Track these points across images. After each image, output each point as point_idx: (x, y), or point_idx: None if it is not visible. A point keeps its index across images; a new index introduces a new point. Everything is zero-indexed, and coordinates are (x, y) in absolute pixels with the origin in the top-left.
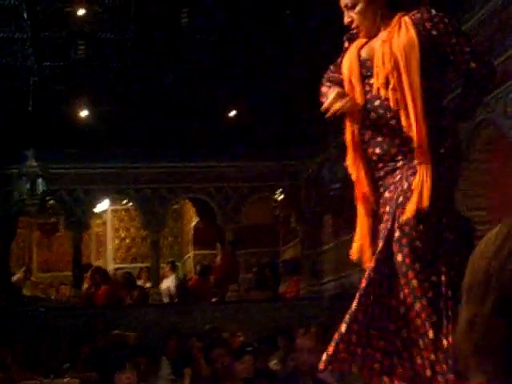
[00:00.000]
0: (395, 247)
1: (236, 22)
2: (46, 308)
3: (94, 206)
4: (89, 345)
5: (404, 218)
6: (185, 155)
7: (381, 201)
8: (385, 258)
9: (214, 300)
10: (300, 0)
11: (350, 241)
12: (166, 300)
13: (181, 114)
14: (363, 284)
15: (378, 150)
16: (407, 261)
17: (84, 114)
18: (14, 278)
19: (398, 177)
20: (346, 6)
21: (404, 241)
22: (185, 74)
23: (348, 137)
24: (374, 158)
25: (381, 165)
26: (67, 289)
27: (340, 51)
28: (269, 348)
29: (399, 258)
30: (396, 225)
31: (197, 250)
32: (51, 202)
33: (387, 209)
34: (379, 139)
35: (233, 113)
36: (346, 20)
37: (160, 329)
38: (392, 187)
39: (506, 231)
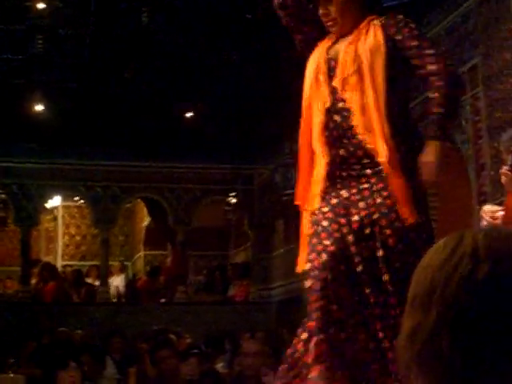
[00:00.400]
0: (373, 265)
1: (196, 22)
2: None
3: (45, 202)
4: (34, 341)
5: (384, 236)
6: (139, 155)
7: (333, 197)
8: (339, 270)
9: (162, 301)
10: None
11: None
12: (114, 299)
13: (137, 113)
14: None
15: (342, 152)
16: (387, 279)
17: (39, 108)
18: None
19: (366, 185)
20: (321, 10)
21: (386, 260)
22: (143, 73)
23: (304, 139)
24: (338, 159)
25: (344, 166)
26: (14, 283)
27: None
28: (215, 351)
29: (383, 277)
30: (377, 244)
31: (147, 250)
32: (1, 195)
33: (341, 211)
34: (345, 141)
35: (189, 114)
36: (322, 12)
37: (107, 328)
38: (356, 192)
39: (454, 243)
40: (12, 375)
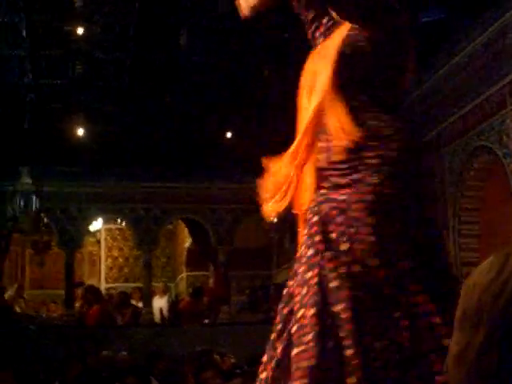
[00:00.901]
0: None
1: (235, 44)
2: (37, 326)
3: (88, 225)
4: (79, 364)
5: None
6: (180, 176)
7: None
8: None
9: (205, 321)
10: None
11: None
12: (157, 320)
13: (177, 134)
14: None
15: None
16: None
17: (80, 132)
18: (6, 295)
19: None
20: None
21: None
22: (183, 95)
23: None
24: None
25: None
26: (58, 307)
27: None
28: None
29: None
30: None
31: (189, 271)
32: (45, 219)
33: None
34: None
35: (229, 134)
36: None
37: (151, 349)
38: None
39: (500, 262)
40: None
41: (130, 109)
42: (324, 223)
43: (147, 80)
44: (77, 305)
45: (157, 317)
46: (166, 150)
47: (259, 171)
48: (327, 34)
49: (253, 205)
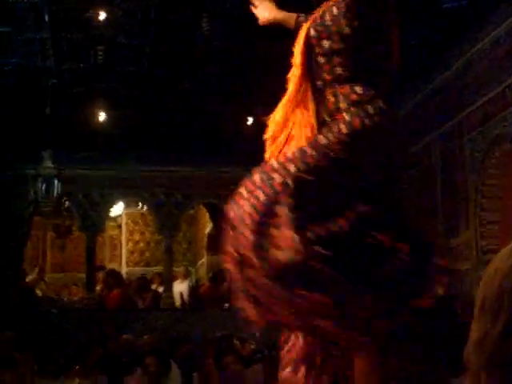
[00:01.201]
0: None
1: (255, 29)
2: (58, 310)
3: (109, 209)
4: (99, 349)
5: None
6: (200, 160)
7: None
8: None
9: (226, 306)
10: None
11: None
12: (178, 305)
13: (198, 120)
14: None
15: None
16: None
17: (101, 117)
18: (28, 279)
19: None
20: None
21: None
22: (203, 80)
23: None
24: None
25: None
26: (79, 290)
27: None
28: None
29: None
30: None
31: (210, 255)
32: (66, 203)
33: None
34: None
35: (250, 121)
36: None
37: (171, 334)
38: None
39: None
40: (78, 382)
41: (150, 94)
42: None
43: (167, 65)
44: (97, 288)
45: (177, 301)
46: (188, 134)
47: None
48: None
49: None
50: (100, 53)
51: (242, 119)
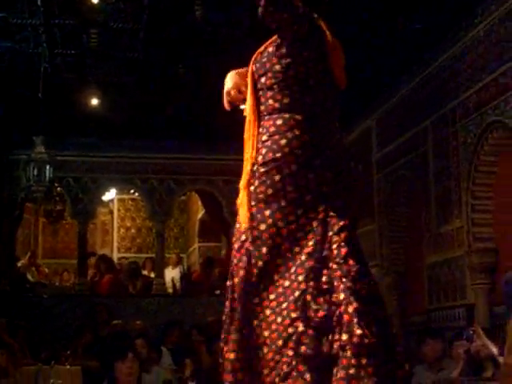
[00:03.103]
0: None
1: (251, 14)
2: (49, 295)
3: (101, 195)
4: (91, 333)
5: None
6: (192, 147)
7: None
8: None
9: (217, 292)
10: None
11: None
12: (169, 291)
13: (191, 106)
14: None
15: None
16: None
17: (94, 102)
18: (19, 264)
19: None
20: None
21: None
22: (198, 65)
23: None
24: None
25: None
26: (71, 276)
27: None
28: None
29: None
30: None
31: (202, 242)
32: (58, 189)
33: None
34: None
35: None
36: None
37: (162, 319)
38: None
39: None
40: (69, 367)
41: (144, 79)
42: None
43: (161, 51)
44: (89, 274)
45: (169, 287)
46: (180, 121)
47: None
48: None
49: None
50: (93, 37)
51: (236, 106)
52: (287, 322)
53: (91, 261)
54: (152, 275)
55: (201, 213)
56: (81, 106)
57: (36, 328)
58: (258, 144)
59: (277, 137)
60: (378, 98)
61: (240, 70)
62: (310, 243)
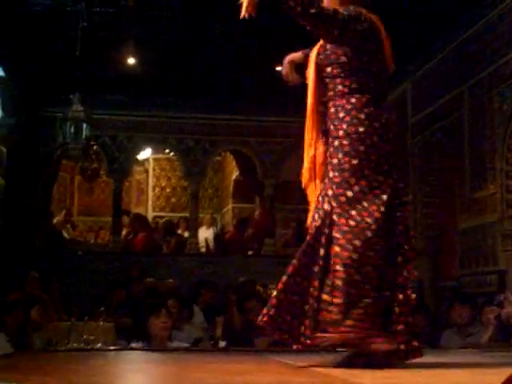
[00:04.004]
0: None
1: None
2: (83, 252)
3: (137, 154)
4: (124, 290)
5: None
6: (228, 108)
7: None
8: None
9: (250, 253)
10: None
11: None
12: (203, 251)
13: (228, 66)
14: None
15: None
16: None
17: (131, 61)
18: (55, 221)
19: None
20: None
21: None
22: (235, 25)
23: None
24: None
25: None
26: (106, 233)
27: None
28: None
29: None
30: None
31: (236, 203)
32: (94, 147)
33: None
34: None
35: (280, 68)
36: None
37: (195, 279)
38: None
39: None
40: (102, 323)
41: (180, 39)
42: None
43: (199, 9)
44: (123, 232)
45: (202, 247)
46: (217, 81)
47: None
48: None
49: (301, 139)
50: None
51: (273, 67)
52: None
53: (126, 219)
54: (186, 235)
55: (235, 174)
56: (117, 64)
57: (70, 284)
58: (333, 122)
59: (354, 112)
60: (414, 62)
61: (295, 55)
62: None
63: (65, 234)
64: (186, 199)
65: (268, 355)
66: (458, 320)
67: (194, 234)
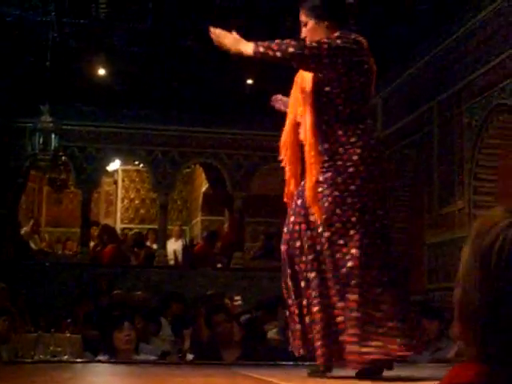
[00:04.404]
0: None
1: None
2: (51, 263)
3: (106, 165)
4: (91, 302)
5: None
6: (199, 120)
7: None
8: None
9: (219, 266)
10: None
11: None
12: (171, 263)
13: (197, 79)
14: None
15: None
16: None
17: (101, 72)
18: (22, 231)
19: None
20: (302, 23)
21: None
22: (206, 37)
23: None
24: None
25: None
26: (74, 245)
27: None
28: (267, 316)
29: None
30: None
31: (205, 215)
32: (63, 158)
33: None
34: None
35: (250, 81)
36: (302, 35)
37: (163, 291)
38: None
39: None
40: (69, 335)
41: (151, 50)
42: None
43: (170, 22)
44: (92, 244)
45: (171, 260)
46: (187, 93)
47: (279, 119)
48: None
49: (271, 152)
50: (102, 7)
51: (243, 80)
52: None
53: (94, 230)
54: (154, 247)
55: (205, 186)
56: (87, 75)
57: (37, 295)
58: (345, 146)
59: (366, 137)
60: (384, 77)
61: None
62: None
63: (32, 245)
64: (154, 211)
65: (236, 369)
66: (426, 334)
67: (163, 246)
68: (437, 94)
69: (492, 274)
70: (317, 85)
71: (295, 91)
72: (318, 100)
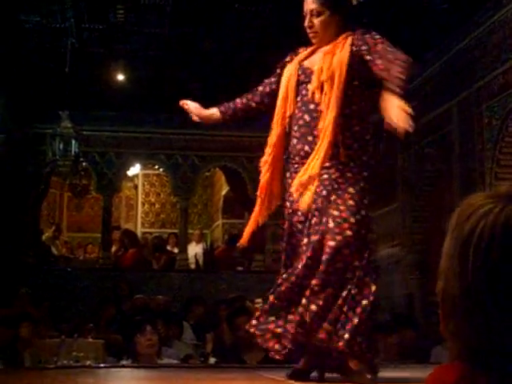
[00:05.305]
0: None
1: None
2: (73, 268)
3: (126, 170)
4: (113, 307)
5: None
6: (218, 124)
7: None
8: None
9: (239, 269)
10: None
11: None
12: (192, 267)
13: (217, 82)
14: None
15: (306, 148)
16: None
17: (120, 77)
18: (44, 237)
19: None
20: (312, 12)
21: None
22: (226, 40)
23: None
24: (302, 153)
25: (305, 160)
26: (95, 250)
27: None
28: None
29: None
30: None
31: (225, 218)
32: (83, 164)
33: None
34: (309, 138)
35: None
36: (307, 23)
37: (185, 295)
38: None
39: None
40: (91, 340)
41: (170, 55)
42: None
43: (189, 25)
44: (113, 248)
45: (192, 264)
46: (206, 97)
47: None
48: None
49: None
50: (120, 12)
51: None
52: None
53: (115, 235)
54: (175, 251)
55: (225, 189)
56: (107, 80)
57: (59, 301)
58: (360, 142)
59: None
60: None
61: None
62: None
63: (54, 251)
64: (175, 215)
65: (259, 372)
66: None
67: (184, 250)
68: (456, 94)
69: (471, 262)
70: (349, 76)
71: (291, 82)
72: (346, 93)
